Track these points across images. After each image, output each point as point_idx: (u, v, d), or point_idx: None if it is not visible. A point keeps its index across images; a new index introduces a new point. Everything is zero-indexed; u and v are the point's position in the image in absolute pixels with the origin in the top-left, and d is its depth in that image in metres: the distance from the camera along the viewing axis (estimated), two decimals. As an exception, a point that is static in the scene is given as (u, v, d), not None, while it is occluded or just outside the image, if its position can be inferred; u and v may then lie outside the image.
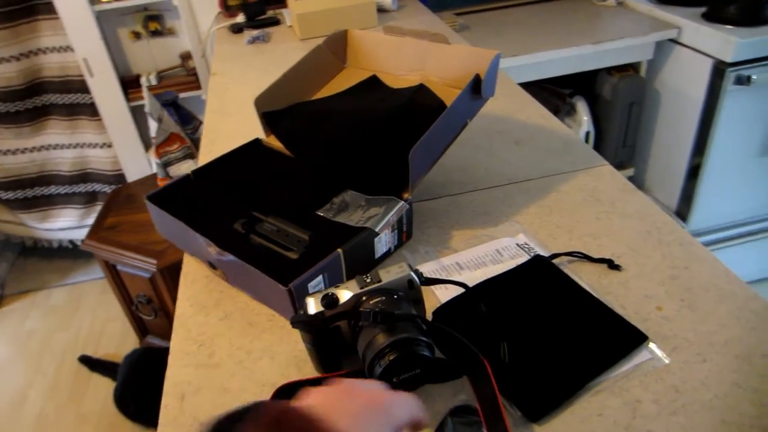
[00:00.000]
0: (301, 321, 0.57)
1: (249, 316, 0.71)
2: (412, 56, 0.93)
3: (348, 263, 0.70)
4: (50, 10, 2.06)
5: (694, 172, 1.89)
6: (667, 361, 0.61)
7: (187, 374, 0.64)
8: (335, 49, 1.01)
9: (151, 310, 1.88)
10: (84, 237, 2.52)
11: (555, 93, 1.96)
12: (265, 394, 0.61)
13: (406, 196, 0.76)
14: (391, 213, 0.74)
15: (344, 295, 0.58)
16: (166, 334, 2.00)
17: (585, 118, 1.91)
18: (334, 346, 0.59)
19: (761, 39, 1.63)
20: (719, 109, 1.73)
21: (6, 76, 2.16)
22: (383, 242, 0.75)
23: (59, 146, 2.36)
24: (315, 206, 0.78)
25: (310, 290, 0.66)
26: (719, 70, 1.68)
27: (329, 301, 0.57)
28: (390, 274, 0.59)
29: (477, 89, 0.80)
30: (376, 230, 0.72)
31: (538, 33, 1.86)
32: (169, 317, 1.89)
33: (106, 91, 2.17)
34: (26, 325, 2.38)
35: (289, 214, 0.78)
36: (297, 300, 0.65)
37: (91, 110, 2.27)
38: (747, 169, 1.89)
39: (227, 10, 1.99)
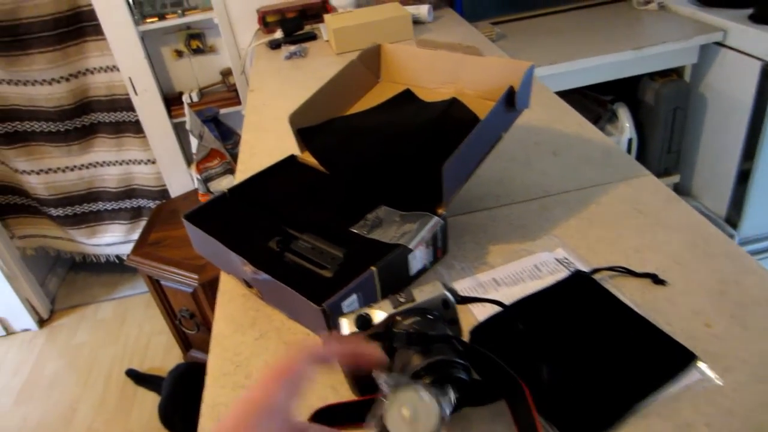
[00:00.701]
0: (335, 342, 0.56)
1: (284, 336, 0.71)
2: (446, 69, 0.92)
3: (382, 281, 0.69)
4: (97, 31, 2.14)
5: (743, 178, 1.82)
6: (719, 382, 0.58)
7: (225, 395, 0.65)
8: (369, 63, 1.01)
9: (194, 324, 1.91)
10: (128, 252, 2.60)
11: (596, 100, 1.92)
12: (302, 417, 0.60)
13: (440, 211, 0.75)
14: (425, 229, 0.73)
15: (378, 315, 0.57)
16: (209, 348, 2.03)
17: (627, 124, 1.86)
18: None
19: (814, 39, 1.57)
20: (769, 113, 1.66)
21: (56, 97, 2.24)
22: (418, 259, 0.74)
23: (106, 163, 2.44)
24: (349, 223, 0.78)
25: (344, 309, 0.66)
26: (768, 72, 1.62)
27: (363, 321, 0.57)
28: (424, 293, 0.58)
29: (511, 101, 0.79)
30: (410, 247, 0.71)
31: (578, 40, 1.82)
32: (210, 331, 1.92)
33: (149, 108, 2.23)
34: (76, 339, 2.46)
35: (323, 230, 0.77)
36: (331, 319, 0.64)
37: (135, 128, 2.34)
38: (800, 173, 1.81)
39: (266, 26, 2.02)
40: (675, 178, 2.03)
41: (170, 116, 2.27)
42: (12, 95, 2.26)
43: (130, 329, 2.46)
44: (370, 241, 0.74)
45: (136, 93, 2.21)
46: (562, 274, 0.73)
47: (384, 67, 1.02)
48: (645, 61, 1.74)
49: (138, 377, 2.17)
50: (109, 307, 2.62)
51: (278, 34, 1.89)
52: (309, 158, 0.94)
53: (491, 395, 0.58)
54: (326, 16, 1.76)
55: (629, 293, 0.70)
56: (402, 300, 0.58)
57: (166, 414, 1.87)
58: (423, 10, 1.77)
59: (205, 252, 0.85)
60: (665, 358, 0.61)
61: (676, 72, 1.85)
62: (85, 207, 2.53)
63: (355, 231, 0.76)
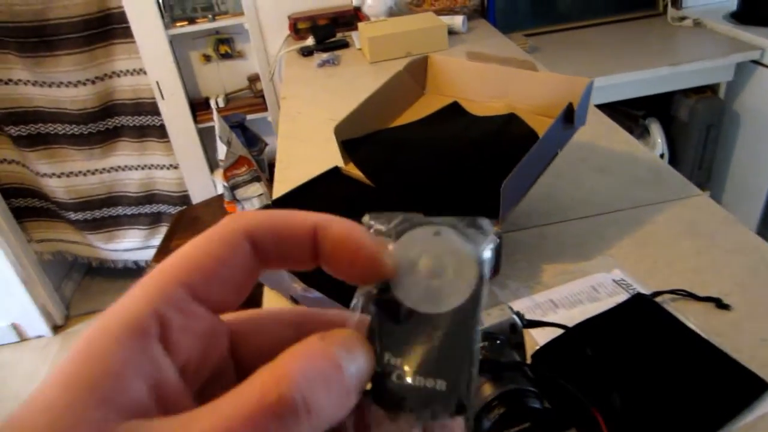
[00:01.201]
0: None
1: (336, 352, 0.69)
2: (497, 83, 0.91)
3: (439, 299, 0.67)
4: (126, 34, 2.14)
5: (776, 198, 1.79)
6: (794, 415, 0.56)
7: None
8: (415, 74, 1.00)
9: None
10: (147, 258, 2.60)
11: (627, 115, 1.90)
12: None
13: (496, 228, 0.73)
14: (482, 247, 0.71)
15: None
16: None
17: (659, 140, 1.84)
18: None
19: None
20: (806, 132, 1.64)
21: (81, 99, 2.24)
22: (473, 277, 0.72)
23: (128, 167, 2.43)
24: (400, 237, 0.76)
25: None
26: (806, 91, 1.59)
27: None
28: (491, 317, 0.56)
29: (569, 118, 0.77)
30: (468, 265, 0.69)
31: (612, 54, 1.81)
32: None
33: (175, 113, 2.23)
34: (91, 344, 2.44)
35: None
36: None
37: (159, 132, 2.34)
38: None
39: (296, 33, 2.02)
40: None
41: (195, 121, 2.27)
42: (36, 97, 2.26)
43: (147, 334, 2.45)
44: (424, 258, 0.72)
45: (162, 97, 2.20)
46: (622, 296, 0.71)
47: (431, 79, 1.01)
48: (680, 78, 1.72)
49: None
50: (126, 312, 2.61)
51: (310, 41, 1.89)
52: (354, 170, 0.92)
53: (561, 424, 0.56)
54: (360, 24, 1.76)
55: (692, 318, 0.67)
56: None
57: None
58: (457, 21, 1.76)
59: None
60: (737, 386, 0.58)
61: (711, 89, 1.82)
62: (104, 211, 2.52)
63: (407, 246, 0.75)
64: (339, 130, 0.91)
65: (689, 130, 1.84)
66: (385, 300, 0.21)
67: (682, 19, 1.95)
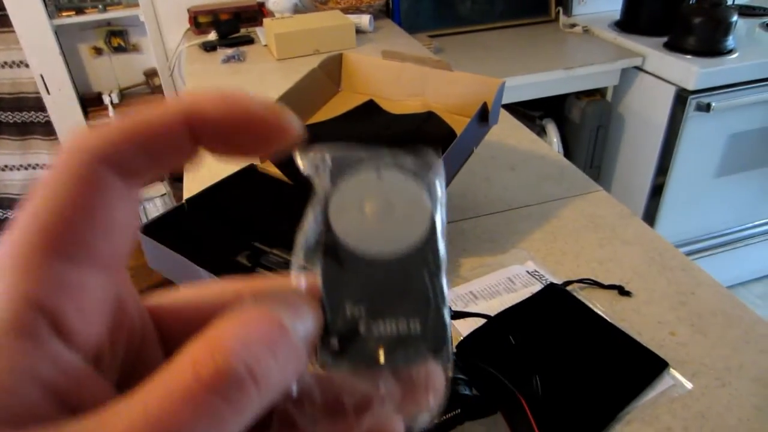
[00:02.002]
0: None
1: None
2: (412, 82, 0.93)
3: (365, 295, 0.68)
4: (3, 23, 1.97)
5: (657, 192, 1.95)
6: (689, 387, 0.62)
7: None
8: (330, 72, 1.00)
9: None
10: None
11: (525, 115, 2.00)
12: None
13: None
14: (405, 242, 0.73)
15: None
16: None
17: (555, 139, 1.95)
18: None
19: (720, 69, 1.72)
20: (681, 134, 1.80)
21: (-48, 93, 2.05)
22: (397, 272, 0.73)
23: (8, 167, 2.25)
24: (322, 235, 0.76)
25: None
26: (681, 97, 1.75)
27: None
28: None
29: (485, 117, 0.80)
30: (392, 260, 0.70)
31: (510, 57, 1.89)
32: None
33: (63, 109, 2.08)
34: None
35: (294, 244, 0.75)
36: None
37: (45, 129, 2.18)
38: (704, 189, 1.97)
39: (197, 27, 1.95)
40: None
41: (87, 118, 2.13)
42: None
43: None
44: (348, 254, 0.72)
45: (48, 92, 2.05)
46: (536, 286, 0.75)
47: (345, 77, 1.01)
48: (573, 81, 1.83)
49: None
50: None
51: (212, 36, 1.83)
52: (271, 168, 0.91)
53: (487, 409, 0.58)
54: (266, 21, 1.72)
55: (599, 304, 0.73)
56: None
57: None
58: (364, 20, 1.77)
59: (163, 267, 0.80)
60: (641, 366, 0.64)
61: (600, 92, 1.96)
62: (-18, 214, 2.32)
63: (330, 244, 0.75)
64: (254, 127, 0.89)
65: (581, 130, 1.97)
66: (332, 250, 0.19)
67: (573, 26, 2.08)
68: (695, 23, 1.76)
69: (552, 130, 1.96)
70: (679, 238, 2.05)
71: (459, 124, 0.81)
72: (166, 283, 0.75)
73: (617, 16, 2.08)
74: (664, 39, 1.86)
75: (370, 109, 0.95)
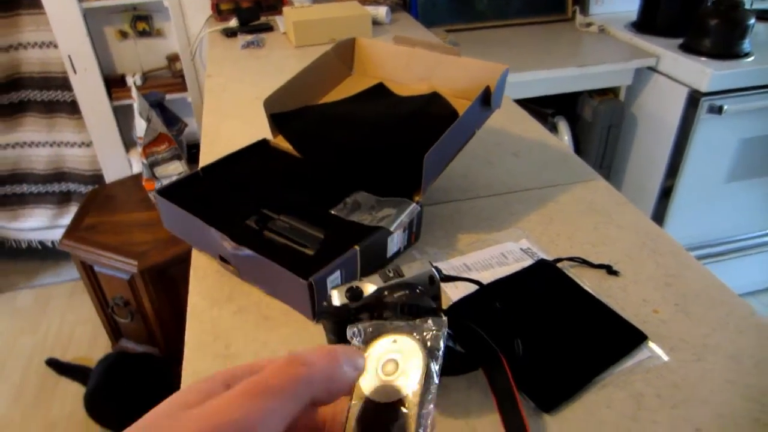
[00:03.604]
0: (328, 312, 0.59)
1: (263, 311, 0.72)
2: (421, 66, 0.96)
3: (363, 260, 0.72)
4: (34, 4, 2.04)
5: (666, 194, 1.97)
6: (666, 359, 0.65)
7: (205, 364, 0.65)
8: (342, 56, 1.04)
9: (128, 312, 1.86)
10: (54, 238, 2.49)
11: (537, 112, 2.02)
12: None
13: (417, 198, 0.79)
14: (404, 214, 0.76)
15: (368, 288, 0.60)
16: (141, 338, 1.97)
17: (566, 137, 1.97)
18: (355, 337, 0.61)
19: (734, 72, 1.73)
20: (692, 136, 1.81)
21: (-17, 71, 2.12)
22: (395, 242, 0.77)
23: (35, 144, 2.33)
24: (326, 206, 0.80)
25: (329, 285, 0.68)
26: (694, 98, 1.76)
27: (354, 293, 0.59)
28: (412, 269, 0.61)
29: (486, 101, 0.84)
30: (391, 230, 0.74)
31: (525, 53, 1.92)
32: (145, 320, 1.87)
33: (89, 89, 2.15)
34: (-10, 327, 2.32)
35: (301, 212, 0.79)
36: (316, 294, 0.66)
37: (70, 108, 2.25)
38: (715, 193, 1.98)
39: (219, 14, 2.00)
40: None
41: (110, 99, 2.19)
42: (-67, 66, 2.12)
43: (52, 318, 2.35)
44: (350, 223, 0.76)
45: (75, 72, 2.12)
46: (527, 262, 0.78)
47: (357, 61, 1.05)
48: (586, 79, 1.86)
49: (60, 367, 2.07)
50: (28, 295, 2.49)
51: (233, 23, 1.88)
52: (282, 143, 0.95)
53: (469, 365, 0.62)
54: (285, 9, 1.77)
55: (587, 281, 0.76)
56: (390, 275, 0.61)
57: (94, 403, 1.80)
58: (381, 12, 1.81)
59: (177, 229, 0.85)
60: (621, 338, 0.67)
61: (613, 91, 1.98)
62: (7, 189, 2.40)
63: (334, 213, 0.79)
64: (268, 104, 0.94)
65: (593, 129, 1.99)
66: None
67: (589, 25, 2.10)
68: (712, 25, 1.78)
69: (563, 127, 1.98)
70: (688, 242, 2.07)
71: (464, 107, 0.84)
72: (183, 259, 0.79)
73: (634, 16, 2.10)
74: (680, 40, 1.88)
75: (379, 91, 0.99)
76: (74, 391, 1.99)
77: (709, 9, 1.81)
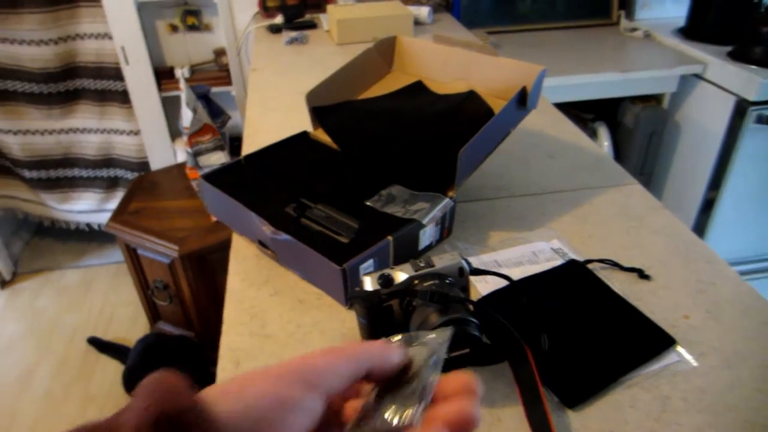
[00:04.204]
0: (360, 296, 0.61)
1: (298, 294, 0.75)
2: (459, 65, 0.98)
3: (395, 251, 0.74)
4: (92, -2, 2.13)
5: (708, 206, 1.93)
6: (695, 364, 0.65)
7: (241, 341, 0.68)
8: (383, 53, 1.06)
9: (167, 296, 1.91)
10: (100, 221, 2.58)
11: (577, 117, 2.01)
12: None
13: (450, 193, 0.80)
14: (437, 208, 0.78)
15: (400, 276, 0.62)
16: (178, 321, 2.03)
17: (606, 143, 1.95)
18: (385, 323, 0.63)
19: (785, 81, 1.69)
20: (738, 146, 1.77)
21: (43, 59, 2.21)
22: (427, 235, 0.79)
23: (87, 130, 2.41)
24: (362, 197, 0.83)
25: (362, 272, 0.70)
26: (741, 108, 1.72)
27: (385, 280, 0.61)
28: (443, 260, 0.63)
29: (522, 101, 0.85)
30: (423, 222, 0.76)
31: (567, 57, 1.91)
32: (183, 304, 1.92)
33: (139, 79, 2.22)
34: (37, 303, 2.42)
35: (337, 202, 0.82)
36: (348, 280, 0.69)
37: (122, 97, 2.32)
38: (760, 207, 1.93)
39: (266, 10, 2.05)
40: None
41: (159, 89, 2.26)
42: (-5, 53, 2.22)
43: (95, 298, 2.44)
44: (384, 215, 0.79)
45: (127, 63, 2.20)
46: (558, 262, 0.79)
47: (398, 58, 1.07)
48: (628, 85, 1.84)
49: (101, 345, 2.16)
50: (74, 275, 2.59)
51: (278, 20, 1.92)
52: (321, 135, 0.98)
53: (495, 357, 0.63)
54: (329, 7, 1.80)
55: (617, 284, 0.76)
56: (422, 265, 0.63)
57: (132, 381, 1.87)
58: (423, 12, 1.83)
59: (220, 213, 0.88)
60: (649, 340, 0.67)
61: (656, 98, 1.95)
62: (60, 172, 2.49)
63: (369, 204, 0.81)
64: (310, 97, 0.96)
65: (633, 135, 1.96)
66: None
67: (634, 30, 2.07)
68: (764, 32, 1.73)
69: (603, 133, 1.97)
70: (729, 256, 2.01)
71: (500, 107, 0.85)
72: (222, 247, 0.83)
73: (682, 22, 2.07)
74: (729, 48, 1.84)
75: (417, 89, 1.01)
76: (114, 369, 2.07)
77: (762, 15, 1.77)
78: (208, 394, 0.29)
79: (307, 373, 0.32)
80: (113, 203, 2.49)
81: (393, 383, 0.35)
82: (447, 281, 0.61)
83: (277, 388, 0.30)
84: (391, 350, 0.35)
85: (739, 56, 1.79)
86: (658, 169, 2.08)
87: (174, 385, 0.27)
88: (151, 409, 0.25)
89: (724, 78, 1.79)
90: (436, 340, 0.39)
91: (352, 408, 0.35)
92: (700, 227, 1.97)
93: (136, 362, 1.87)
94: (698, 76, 1.86)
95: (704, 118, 1.87)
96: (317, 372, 0.32)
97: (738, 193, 1.87)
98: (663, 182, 2.10)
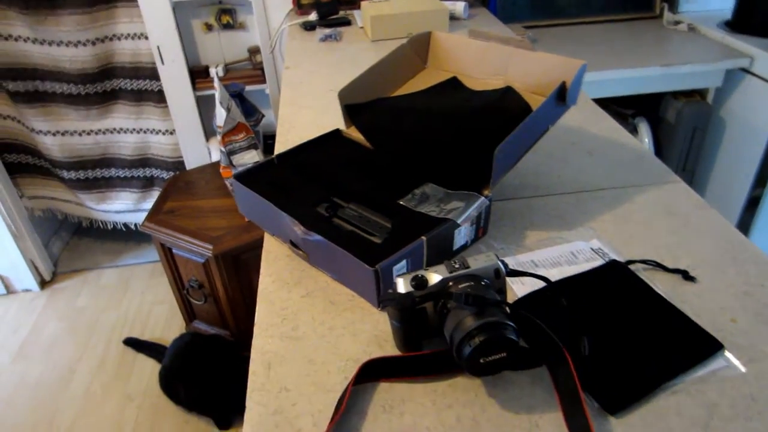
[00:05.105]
0: (393, 299, 0.60)
1: (330, 296, 0.74)
2: (496, 61, 0.96)
3: (429, 251, 0.72)
4: (129, -1, 2.16)
5: (753, 203, 1.86)
6: (743, 370, 0.62)
7: (273, 344, 0.67)
8: (418, 49, 1.04)
9: (202, 295, 1.93)
10: (137, 221, 2.63)
11: (618, 113, 1.96)
12: (349, 369, 0.63)
13: (486, 192, 0.78)
14: (473, 207, 0.76)
15: (434, 277, 0.60)
16: (213, 320, 2.05)
17: (646, 139, 1.90)
18: (418, 326, 0.62)
19: (836, 73, 1.61)
20: (785, 142, 1.71)
21: (80, 60, 2.25)
22: (462, 235, 0.77)
23: (123, 130, 2.46)
24: (395, 196, 0.81)
25: (395, 273, 0.69)
26: (789, 101, 1.66)
27: (419, 282, 0.60)
28: (478, 261, 0.61)
29: (562, 96, 0.82)
30: (458, 222, 0.74)
31: (607, 51, 1.86)
32: (218, 303, 1.94)
33: (175, 79, 2.25)
34: (77, 303, 2.47)
35: (369, 201, 0.81)
36: (381, 281, 0.67)
37: (157, 97, 2.36)
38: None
39: (300, 8, 2.05)
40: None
41: (194, 88, 2.29)
42: (36, 54, 2.27)
43: (133, 297, 2.48)
44: (418, 214, 0.77)
45: (162, 62, 2.23)
46: (598, 262, 0.76)
47: (432, 55, 1.05)
48: (670, 79, 1.78)
49: (138, 344, 2.19)
50: (112, 274, 2.64)
51: (312, 17, 1.92)
52: (354, 133, 0.97)
53: (533, 361, 0.61)
54: (363, 3, 1.79)
55: (661, 285, 0.73)
56: (456, 266, 0.61)
57: (168, 380, 1.89)
58: (459, 7, 1.81)
59: (251, 213, 0.88)
60: (695, 345, 0.64)
61: (700, 93, 1.89)
62: (97, 172, 2.54)
63: (402, 204, 0.79)
64: (343, 95, 0.95)
65: (675, 131, 1.90)
66: None
67: (677, 23, 2.01)
68: (813, 25, 1.66)
69: (644, 129, 1.91)
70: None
71: (538, 103, 0.83)
72: (256, 246, 0.83)
73: (728, 15, 1.99)
74: (777, 41, 1.77)
75: (452, 85, 0.99)
76: (151, 368, 2.10)
77: (811, 7, 1.70)
78: None
79: None
80: (149, 203, 2.54)
81: None
82: (483, 283, 0.60)
83: None
84: None
85: (787, 48, 1.71)
86: (701, 166, 2.02)
87: None
88: None
89: (771, 71, 1.72)
90: None
91: None
92: (744, 226, 1.90)
93: (173, 362, 1.89)
94: (745, 70, 1.79)
95: (750, 113, 1.80)
96: None
97: (785, 191, 1.80)
98: (706, 179, 2.03)
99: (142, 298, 2.47)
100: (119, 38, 2.28)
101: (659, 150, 1.97)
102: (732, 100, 1.86)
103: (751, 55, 1.77)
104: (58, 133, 2.41)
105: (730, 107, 1.87)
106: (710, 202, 1.95)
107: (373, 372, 0.62)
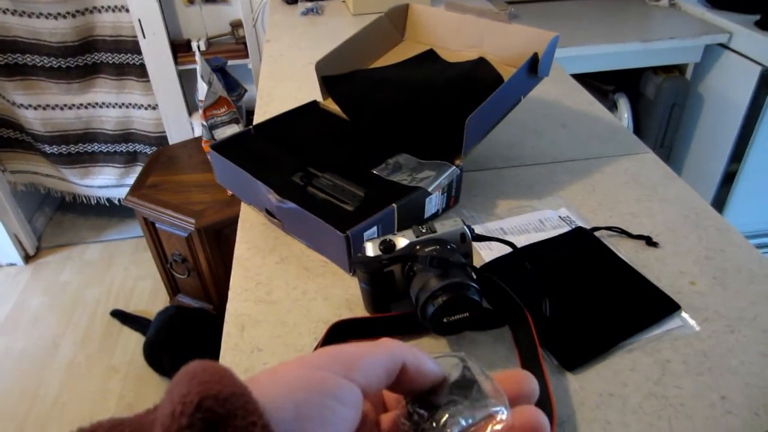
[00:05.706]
0: (361, 261, 0.62)
1: (304, 262, 0.76)
2: (471, 33, 0.97)
3: (400, 218, 0.74)
4: (108, -30, 2.13)
5: (729, 179, 1.90)
6: (697, 329, 0.65)
7: (247, 307, 0.69)
8: (395, 21, 1.05)
9: (185, 269, 1.95)
10: (120, 196, 2.63)
11: (597, 89, 1.98)
12: (319, 330, 0.65)
13: (457, 162, 0.80)
14: (443, 176, 0.78)
15: (401, 242, 0.62)
16: (196, 294, 2.07)
17: (626, 115, 1.92)
18: (386, 289, 0.64)
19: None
20: (762, 118, 1.74)
21: (60, 32, 2.22)
22: (433, 203, 0.79)
23: (106, 105, 2.44)
24: (369, 166, 0.83)
25: (365, 239, 0.71)
26: (766, 78, 1.68)
27: (387, 246, 0.62)
28: (445, 226, 0.63)
29: (534, 68, 0.84)
30: (429, 190, 0.76)
31: (588, 26, 1.87)
32: (201, 277, 1.96)
33: (156, 53, 2.23)
34: (61, 278, 2.48)
35: (344, 171, 0.82)
36: (352, 247, 0.69)
37: (139, 71, 2.34)
38: (782, 180, 1.89)
39: (281, -18, 2.04)
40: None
41: (176, 63, 2.27)
42: (15, 26, 2.23)
43: (117, 272, 2.49)
44: (390, 183, 0.79)
45: (144, 36, 2.21)
46: (565, 229, 0.79)
47: (410, 27, 1.06)
48: (650, 55, 1.80)
49: (124, 317, 2.21)
50: (96, 249, 2.64)
51: (295, -9, 1.91)
52: (331, 105, 0.98)
53: (496, 321, 0.64)
54: (345, -23, 1.79)
55: (624, 251, 0.76)
56: (423, 231, 0.63)
57: (152, 352, 1.92)
58: (441, -18, 1.80)
59: (228, 182, 0.89)
60: (653, 306, 0.67)
61: (679, 69, 1.91)
62: (80, 147, 2.53)
63: (375, 173, 0.81)
64: (320, 67, 0.96)
65: (654, 107, 1.93)
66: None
67: (658, -1, 2.02)
68: (791, 1, 1.68)
69: (624, 104, 1.93)
70: (749, 228, 1.99)
71: (511, 74, 0.84)
72: (236, 221, 0.84)
73: (708, -9, 2.01)
74: (756, 17, 1.78)
75: (428, 57, 1.00)
76: (135, 340, 2.12)
77: (789, -17, 1.72)
78: (246, 381, 0.27)
79: (343, 358, 0.30)
80: (132, 178, 2.53)
81: (426, 393, 0.33)
82: (449, 247, 0.62)
83: (316, 372, 0.29)
84: (422, 354, 0.33)
85: (766, 25, 1.73)
86: (678, 142, 2.05)
87: (214, 372, 0.25)
88: (191, 395, 0.24)
89: (750, 47, 1.74)
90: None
91: (388, 421, 0.34)
92: (720, 200, 1.94)
93: (157, 334, 1.91)
94: (723, 46, 1.81)
95: (728, 89, 1.83)
96: (352, 358, 0.30)
97: (760, 166, 1.83)
98: (684, 155, 2.06)
99: (126, 273, 2.48)
100: (99, 10, 2.25)
101: (638, 126, 2.00)
102: (710, 75, 1.89)
103: (730, 31, 1.79)
104: (40, 107, 2.39)
105: (708, 83, 1.90)
106: (687, 177, 1.98)
107: (342, 333, 0.64)
